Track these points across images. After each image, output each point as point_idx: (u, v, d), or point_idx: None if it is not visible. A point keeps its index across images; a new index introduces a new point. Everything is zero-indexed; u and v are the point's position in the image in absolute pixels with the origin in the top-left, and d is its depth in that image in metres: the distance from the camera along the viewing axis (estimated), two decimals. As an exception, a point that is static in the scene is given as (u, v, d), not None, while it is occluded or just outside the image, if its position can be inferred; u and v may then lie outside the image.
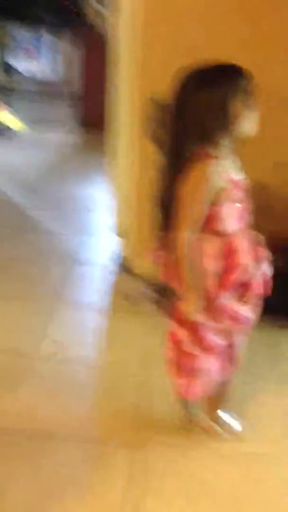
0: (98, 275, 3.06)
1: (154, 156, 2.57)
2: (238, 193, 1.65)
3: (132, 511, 1.65)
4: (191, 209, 1.60)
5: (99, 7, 5.83)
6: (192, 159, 1.59)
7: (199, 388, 1.83)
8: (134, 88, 2.78)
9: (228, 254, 1.66)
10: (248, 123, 1.59)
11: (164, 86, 2.49)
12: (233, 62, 1.62)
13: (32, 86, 5.80)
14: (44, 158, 4.96)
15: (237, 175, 1.65)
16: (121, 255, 3.13)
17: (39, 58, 5.61)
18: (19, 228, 3.56)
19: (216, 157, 1.59)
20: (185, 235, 1.61)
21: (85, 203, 4.02)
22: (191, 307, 1.67)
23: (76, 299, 2.80)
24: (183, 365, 1.80)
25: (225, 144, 1.60)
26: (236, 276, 1.66)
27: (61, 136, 5.65)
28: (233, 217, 1.65)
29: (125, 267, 3.05)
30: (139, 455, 1.86)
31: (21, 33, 5.51)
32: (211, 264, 1.66)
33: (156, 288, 2.76)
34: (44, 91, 5.79)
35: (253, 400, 2.11)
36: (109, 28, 2.98)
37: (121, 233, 3.13)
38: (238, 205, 1.65)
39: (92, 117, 5.74)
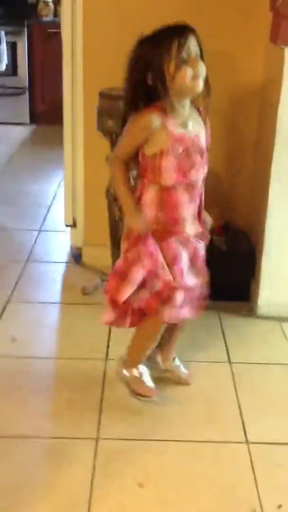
0: (54, 270, 3.03)
1: (99, 147, 2.60)
2: (179, 148, 1.75)
3: (98, 503, 1.65)
4: (122, 139, 1.83)
5: (49, 0, 5.77)
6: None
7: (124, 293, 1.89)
8: (80, 81, 2.77)
9: (167, 206, 1.81)
10: (185, 78, 1.68)
11: (108, 77, 2.51)
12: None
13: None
14: (-2, 154, 4.89)
15: (181, 130, 1.75)
16: (72, 246, 3.12)
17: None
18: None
19: (161, 108, 1.73)
20: (113, 161, 1.88)
21: (39, 198, 3.98)
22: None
23: (31, 295, 2.77)
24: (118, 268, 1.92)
25: (172, 100, 1.72)
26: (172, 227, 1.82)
27: (11, 130, 5.57)
28: (173, 170, 1.76)
29: (77, 259, 3.05)
30: (103, 449, 1.86)
31: None
32: (150, 212, 1.82)
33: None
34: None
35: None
36: (59, 20, 2.95)
37: (71, 225, 3.12)
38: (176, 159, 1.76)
39: (41, 110, 5.68)
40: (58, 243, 3.30)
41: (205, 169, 1.86)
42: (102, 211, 2.68)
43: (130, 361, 2.06)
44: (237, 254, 2.72)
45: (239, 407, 2.07)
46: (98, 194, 2.67)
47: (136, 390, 2.05)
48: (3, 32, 5.40)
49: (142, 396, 2.05)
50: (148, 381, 2.06)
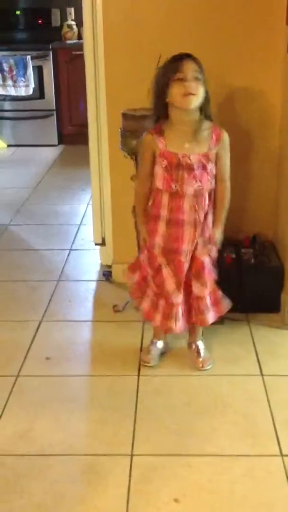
0: (85, 288, 3.07)
1: (124, 166, 2.65)
2: (164, 162, 2.10)
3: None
4: (139, 167, 2.23)
5: (73, 23, 5.89)
6: None
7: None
8: (104, 102, 2.82)
9: (153, 205, 2.18)
10: (178, 94, 2.01)
11: (130, 98, 2.57)
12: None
13: (15, 106, 5.83)
14: (26, 176, 4.99)
15: (169, 148, 2.09)
16: (102, 265, 3.16)
17: (17, 78, 5.64)
18: (3, 249, 3.57)
19: (158, 129, 2.10)
20: (136, 187, 2.25)
21: (68, 217, 4.05)
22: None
23: (63, 314, 2.82)
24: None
25: (172, 119, 2.07)
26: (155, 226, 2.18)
27: (40, 152, 5.68)
28: (159, 176, 2.12)
29: (107, 277, 3.09)
30: (137, 465, 1.88)
31: (0, 57, 5.54)
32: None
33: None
34: (22, 109, 5.80)
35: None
36: (83, 43, 3.02)
37: (100, 243, 3.16)
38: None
39: (69, 131, 5.78)
40: (88, 262, 3.35)
41: (199, 183, 2.12)
42: (130, 229, 2.71)
43: (153, 334, 2.43)
44: (266, 266, 2.72)
45: (273, 420, 2.07)
46: (125, 212, 2.71)
47: (141, 356, 2.39)
48: (29, 57, 5.56)
49: (142, 361, 2.37)
50: (154, 353, 2.39)
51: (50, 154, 5.65)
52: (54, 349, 2.52)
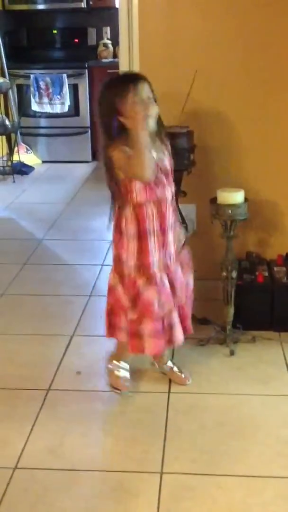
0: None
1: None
2: None
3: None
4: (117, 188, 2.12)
5: (108, 42, 5.99)
6: None
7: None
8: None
9: (137, 221, 2.09)
10: (137, 119, 1.97)
11: (164, 115, 2.58)
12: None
13: (51, 123, 5.95)
14: (60, 192, 5.06)
15: None
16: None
17: (53, 95, 5.76)
18: (37, 263, 3.61)
19: (123, 143, 2.01)
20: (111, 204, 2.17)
21: (100, 233, 4.07)
22: None
23: (95, 329, 2.82)
24: None
25: (130, 137, 1.98)
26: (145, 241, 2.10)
27: (74, 168, 5.76)
28: (140, 190, 2.05)
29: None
30: (167, 484, 1.86)
31: (36, 74, 5.67)
32: (128, 229, 2.11)
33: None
34: (57, 126, 5.90)
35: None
36: (118, 61, 3.07)
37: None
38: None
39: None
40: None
41: (172, 189, 2.15)
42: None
43: (114, 356, 2.36)
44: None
45: (306, 441, 2.03)
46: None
47: (110, 382, 2.32)
48: (65, 75, 5.66)
49: (114, 388, 2.31)
50: (124, 376, 2.32)
51: (83, 170, 5.72)
52: (84, 364, 2.52)
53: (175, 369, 2.39)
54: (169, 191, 2.13)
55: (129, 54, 2.87)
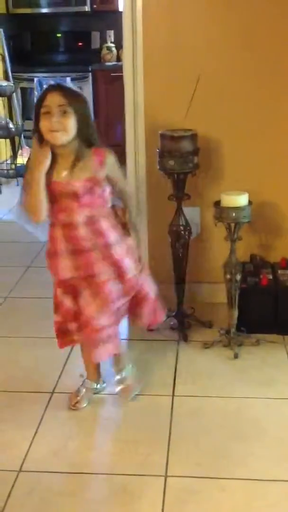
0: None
1: (161, 186, 2.67)
2: (49, 192, 1.97)
3: None
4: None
5: (112, 45, 6.00)
6: None
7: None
8: (142, 123, 2.85)
9: (50, 242, 2.07)
10: (45, 131, 1.92)
11: (169, 118, 2.59)
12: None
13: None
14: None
15: (54, 176, 1.97)
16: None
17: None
18: (41, 266, 3.59)
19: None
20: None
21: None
22: None
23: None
24: None
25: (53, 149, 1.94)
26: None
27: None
28: (49, 209, 2.00)
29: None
30: (171, 487, 1.86)
31: (40, 78, 5.69)
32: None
33: (176, 315, 2.78)
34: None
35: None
36: (121, 65, 3.07)
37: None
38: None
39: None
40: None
41: (90, 210, 2.00)
42: (167, 248, 2.72)
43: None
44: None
45: (311, 445, 2.03)
46: (161, 232, 2.73)
47: (69, 397, 2.28)
48: (69, 79, 5.66)
49: (71, 404, 2.25)
50: (81, 395, 2.26)
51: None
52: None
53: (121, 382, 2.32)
54: (81, 215, 1.99)
55: (133, 58, 2.87)
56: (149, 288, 2.22)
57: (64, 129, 1.92)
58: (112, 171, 2.04)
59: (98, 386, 2.32)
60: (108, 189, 2.04)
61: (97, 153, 2.00)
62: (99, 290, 2.07)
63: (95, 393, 2.31)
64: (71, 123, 1.92)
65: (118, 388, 2.31)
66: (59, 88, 1.96)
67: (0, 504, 1.80)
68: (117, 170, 2.08)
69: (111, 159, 2.03)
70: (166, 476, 1.90)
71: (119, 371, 2.32)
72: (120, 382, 2.32)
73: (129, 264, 2.10)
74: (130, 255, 2.11)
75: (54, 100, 1.92)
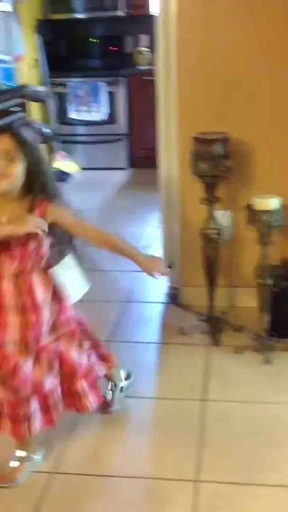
0: (151, 310, 3.09)
1: (194, 190, 2.67)
2: None
3: None
4: None
5: (145, 49, 6.03)
6: None
7: None
8: (175, 126, 2.85)
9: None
10: None
11: (203, 122, 2.59)
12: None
13: (87, 130, 6.01)
14: (96, 198, 5.10)
15: None
16: (171, 287, 3.16)
17: (93, 104, 5.84)
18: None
19: None
20: None
21: (136, 240, 4.08)
22: None
23: (131, 336, 2.84)
24: None
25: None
26: None
27: (110, 175, 5.80)
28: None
29: (174, 299, 3.09)
30: (203, 492, 1.85)
31: (76, 83, 5.75)
32: None
33: (207, 319, 2.77)
34: (94, 133, 5.96)
35: None
36: (154, 69, 3.09)
37: (169, 266, 3.17)
38: None
39: (139, 155, 5.87)
40: (155, 284, 3.36)
41: (19, 263, 1.83)
42: (198, 252, 2.72)
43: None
44: None
45: None
46: (193, 236, 2.73)
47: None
48: (102, 83, 5.72)
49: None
50: (11, 467, 1.95)
51: (120, 177, 5.76)
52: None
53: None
54: (9, 267, 1.82)
55: (166, 62, 2.87)
56: (80, 359, 2.00)
57: (7, 176, 1.76)
58: (59, 219, 1.88)
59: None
60: (46, 245, 1.87)
61: (39, 205, 1.83)
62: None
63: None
64: (17, 171, 1.76)
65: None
66: (10, 131, 1.79)
67: (31, 507, 1.82)
68: (65, 215, 1.91)
69: (52, 210, 1.85)
70: (197, 481, 1.89)
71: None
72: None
73: (45, 331, 1.90)
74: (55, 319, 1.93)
75: (2, 144, 1.75)
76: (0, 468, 1.95)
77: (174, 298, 3.10)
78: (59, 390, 1.96)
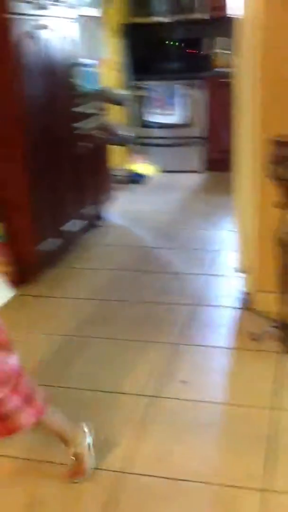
0: (222, 314, 3.06)
1: (270, 194, 2.61)
2: None
3: None
4: None
5: (224, 51, 5.98)
6: None
7: None
8: (255, 129, 2.80)
9: None
10: None
11: (284, 126, 2.52)
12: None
13: (163, 133, 6.05)
14: (171, 201, 5.12)
15: None
16: (244, 292, 3.12)
17: (169, 106, 5.87)
18: (147, 270, 3.67)
19: None
20: None
21: (208, 243, 4.07)
22: None
23: (201, 339, 2.82)
24: None
25: None
26: None
27: (189, 178, 5.81)
28: None
29: (248, 305, 3.04)
30: (270, 502, 1.82)
31: (154, 86, 5.80)
32: None
33: (281, 325, 2.71)
34: (173, 136, 5.98)
35: None
36: (233, 71, 3.05)
37: (243, 270, 3.13)
38: None
39: (216, 158, 5.83)
40: (226, 288, 3.33)
41: None
42: (274, 257, 2.67)
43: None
44: None
45: None
46: (269, 240, 2.67)
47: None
48: (179, 85, 5.72)
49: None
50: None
51: (194, 180, 5.75)
52: (189, 373, 2.52)
53: None
54: None
55: (247, 65, 2.84)
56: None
57: None
58: None
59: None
60: None
61: None
62: None
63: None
64: None
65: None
66: None
67: (98, 505, 1.84)
68: None
69: None
70: (265, 491, 1.86)
71: None
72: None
73: None
74: None
75: None
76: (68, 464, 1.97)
77: (247, 303, 3.06)
78: None
